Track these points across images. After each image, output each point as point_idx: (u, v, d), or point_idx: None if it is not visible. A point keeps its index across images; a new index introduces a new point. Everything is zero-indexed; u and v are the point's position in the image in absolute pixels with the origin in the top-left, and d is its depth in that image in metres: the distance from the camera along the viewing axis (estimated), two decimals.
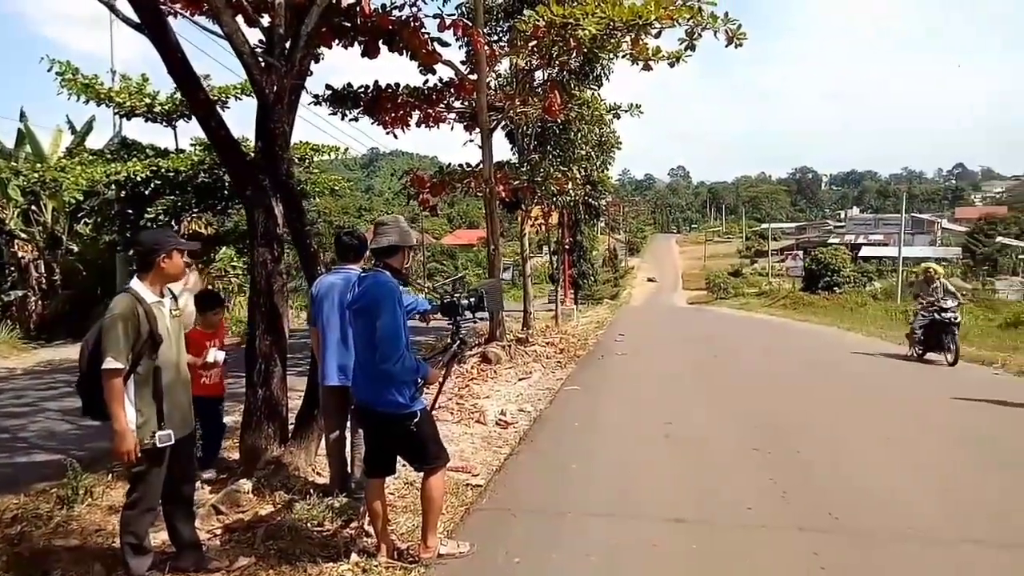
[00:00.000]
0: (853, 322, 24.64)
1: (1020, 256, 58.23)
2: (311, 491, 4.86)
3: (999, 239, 61.32)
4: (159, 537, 3.96)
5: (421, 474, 3.99)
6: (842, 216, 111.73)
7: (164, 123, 16.82)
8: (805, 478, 5.48)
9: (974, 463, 5.98)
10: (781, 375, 11.26)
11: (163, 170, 15.49)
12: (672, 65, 10.99)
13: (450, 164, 14.73)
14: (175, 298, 3.67)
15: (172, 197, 16.63)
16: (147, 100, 16.25)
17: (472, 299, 4.17)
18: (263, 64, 5.11)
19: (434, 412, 4.45)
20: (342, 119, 12.43)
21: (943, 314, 11.84)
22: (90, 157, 16.53)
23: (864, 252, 67.19)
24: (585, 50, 11.68)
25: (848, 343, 16.96)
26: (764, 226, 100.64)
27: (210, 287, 16.04)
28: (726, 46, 9.75)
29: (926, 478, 5.49)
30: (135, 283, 3.47)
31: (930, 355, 12.35)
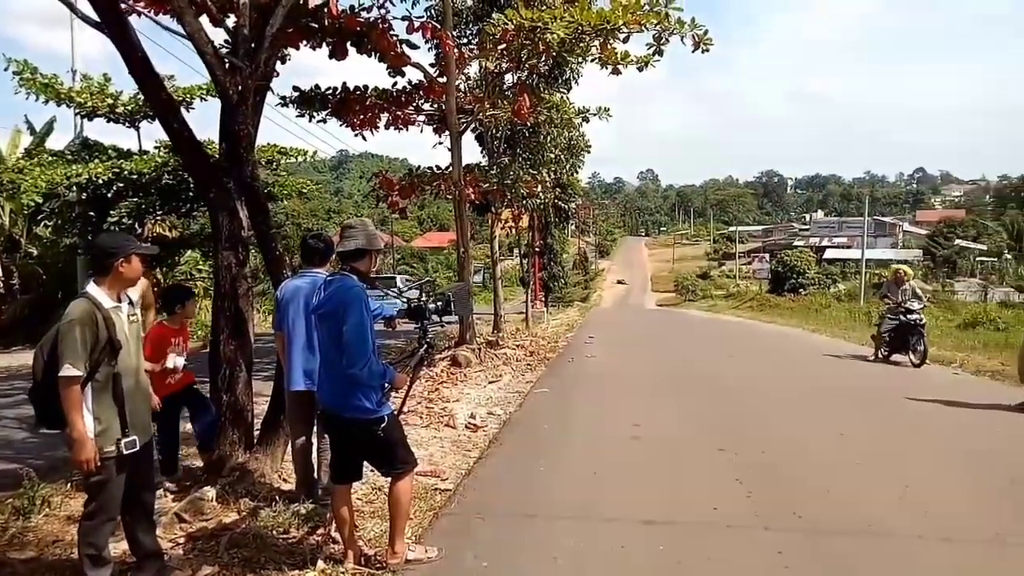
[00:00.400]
0: (818, 323, 25.08)
1: (978, 258, 59.70)
2: (277, 498, 4.79)
3: (958, 242, 62.77)
4: (119, 547, 3.87)
5: (389, 479, 3.96)
6: (807, 219, 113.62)
7: (127, 124, 16.49)
8: (770, 478, 5.56)
9: (933, 462, 6.11)
10: (747, 376, 11.40)
11: (126, 172, 15.15)
12: (641, 69, 11.09)
13: (419, 167, 14.68)
14: (132, 303, 3.59)
15: (135, 199, 16.31)
16: (109, 100, 15.92)
17: (439, 303, 4.14)
18: (227, 65, 5.03)
19: (402, 416, 4.42)
20: (310, 121, 12.32)
21: (909, 315, 12.03)
22: (50, 158, 16.11)
23: (828, 254, 68.37)
24: (554, 54, 11.73)
25: (813, 344, 17.25)
26: (731, 229, 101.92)
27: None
28: (693, 51, 9.87)
29: (886, 477, 5.60)
30: (92, 288, 3.38)
31: (896, 356, 12.53)
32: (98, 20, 4.74)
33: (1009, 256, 61.19)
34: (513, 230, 24.76)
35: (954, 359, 12.68)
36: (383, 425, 3.73)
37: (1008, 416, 7.92)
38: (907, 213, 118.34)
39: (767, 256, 74.24)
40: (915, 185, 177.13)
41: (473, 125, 15.07)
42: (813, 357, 14.43)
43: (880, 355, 12.84)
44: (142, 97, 14.70)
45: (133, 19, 5.63)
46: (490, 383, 10.69)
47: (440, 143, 14.11)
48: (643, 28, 10.09)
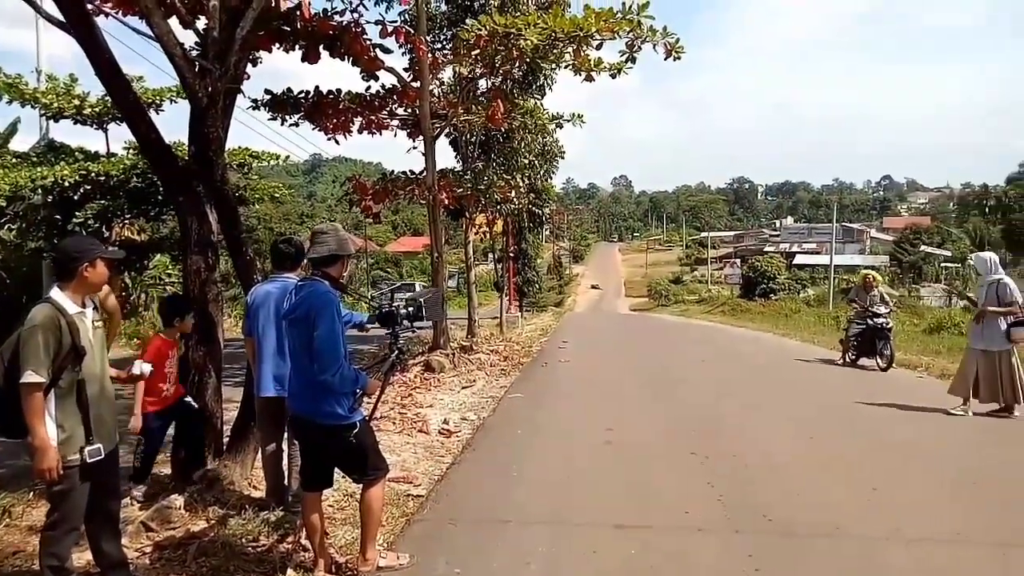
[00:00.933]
0: (788, 328, 25.40)
1: (943, 264, 60.99)
2: (247, 505, 4.73)
3: (923, 248, 64.05)
4: (83, 557, 3.79)
5: (361, 486, 3.93)
6: (777, 225, 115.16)
7: (95, 126, 16.19)
8: (741, 481, 5.61)
9: (900, 464, 6.21)
10: (719, 380, 11.50)
11: (93, 174, 14.85)
12: (614, 76, 11.16)
13: (393, 171, 14.61)
14: (97, 308, 3.53)
15: (103, 202, 15.99)
16: (76, 101, 15.62)
17: (411, 308, 4.12)
18: (196, 67, 4.97)
19: (375, 422, 4.39)
20: (282, 124, 12.19)
21: (876, 320, 12.26)
22: (14, 160, 15.74)
23: (798, 260, 69.35)
24: (528, 60, 11.75)
25: (784, 349, 17.48)
26: (703, 234, 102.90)
27: (171, 294, 15.42)
28: (665, 59, 9.97)
29: (854, 479, 5.68)
30: (55, 293, 3.31)
31: (863, 360, 12.73)
32: (63, 20, 4.65)
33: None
34: (487, 235, 24.78)
35: (920, 363, 12.91)
36: (355, 431, 3.70)
37: (973, 421, 8.08)
38: (874, 220, 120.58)
39: (738, 261, 75.12)
40: (882, 192, 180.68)
41: (447, 130, 15.06)
42: (783, 361, 14.61)
43: (848, 359, 13.02)
44: (110, 98, 14.47)
45: (101, 20, 5.54)
46: (464, 388, 10.66)
47: (414, 148, 14.06)
48: (616, 36, 10.17)
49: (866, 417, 8.26)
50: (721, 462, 6.17)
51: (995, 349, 8.04)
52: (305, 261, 4.29)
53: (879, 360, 12.27)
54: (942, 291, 46.84)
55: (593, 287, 78.24)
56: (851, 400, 9.27)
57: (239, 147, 17.74)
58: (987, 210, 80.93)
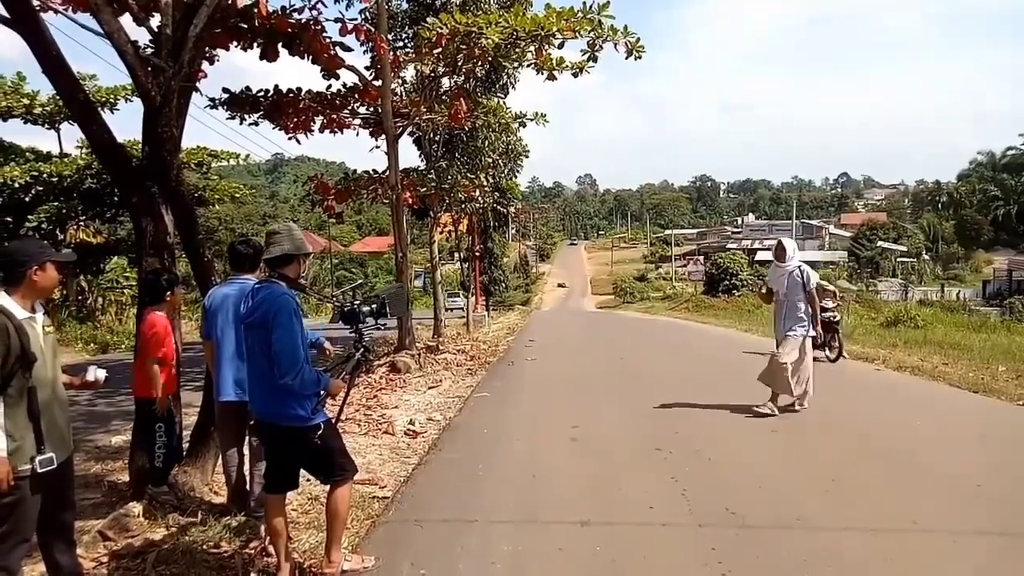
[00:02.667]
0: (750, 324, 25.78)
1: (898, 259, 62.51)
2: (207, 512, 4.65)
3: (880, 243, 65.57)
4: (37, 569, 3.68)
5: (326, 488, 3.88)
6: (739, 222, 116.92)
7: (46, 125, 15.80)
8: (704, 476, 5.68)
9: (856, 456, 6.35)
10: (683, 375, 11.63)
11: (45, 175, 14.50)
12: (576, 75, 11.22)
13: (355, 171, 14.49)
14: (47, 313, 3.43)
15: (56, 204, 15.61)
16: (25, 100, 15.22)
17: (374, 305, 4.08)
18: (150, 66, 4.86)
19: (340, 424, 4.34)
20: (241, 123, 12.01)
21: (824, 314, 12.59)
22: None
23: (760, 256, 70.44)
24: (490, 59, 11.75)
25: (745, 344, 17.73)
26: (667, 232, 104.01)
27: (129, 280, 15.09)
28: (626, 58, 10.05)
29: (814, 472, 5.79)
30: (3, 297, 3.20)
31: (816, 353, 13.06)
32: (7, 15, 4.51)
33: (927, 257, 64.40)
34: (453, 234, 24.74)
35: (877, 356, 13.23)
36: (320, 433, 3.67)
37: (930, 409, 8.30)
38: (832, 216, 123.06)
39: (702, 259, 76.00)
40: (839, 189, 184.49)
41: (410, 129, 14.99)
42: (745, 356, 14.83)
43: None
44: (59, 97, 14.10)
45: (50, 16, 5.40)
46: (430, 388, 10.62)
47: (377, 147, 13.98)
48: (577, 35, 10.22)
49: (826, 411, 8.40)
50: (685, 457, 6.23)
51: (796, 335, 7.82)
52: (262, 263, 4.22)
53: (828, 352, 12.63)
54: (899, 285, 48.02)
55: (560, 285, 78.58)
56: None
57: (197, 146, 17.46)
58: (940, 206, 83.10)
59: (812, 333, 7.92)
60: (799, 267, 7.94)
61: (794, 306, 7.85)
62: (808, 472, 5.77)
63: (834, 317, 12.74)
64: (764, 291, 8.64)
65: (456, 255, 35.71)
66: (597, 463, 6.20)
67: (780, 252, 8.10)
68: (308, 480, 4.95)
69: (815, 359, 12.94)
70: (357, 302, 4.10)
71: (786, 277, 7.93)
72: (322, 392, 3.67)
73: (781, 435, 7.10)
